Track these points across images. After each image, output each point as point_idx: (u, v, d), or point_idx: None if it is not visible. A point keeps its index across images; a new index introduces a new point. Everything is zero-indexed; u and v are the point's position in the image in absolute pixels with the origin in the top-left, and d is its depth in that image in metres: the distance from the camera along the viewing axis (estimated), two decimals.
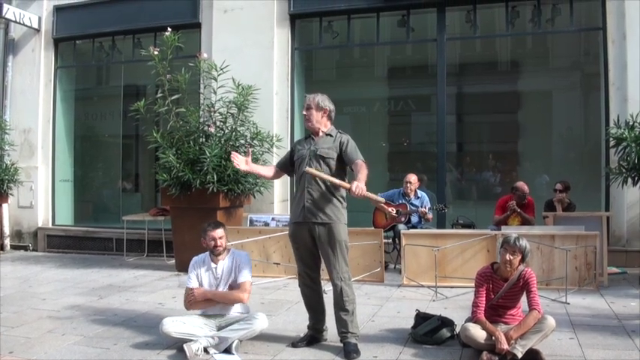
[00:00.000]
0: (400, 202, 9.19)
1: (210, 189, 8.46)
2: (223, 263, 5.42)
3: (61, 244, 11.85)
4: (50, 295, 7.58)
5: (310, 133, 5.32)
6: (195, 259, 5.56)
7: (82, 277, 8.91)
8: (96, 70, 13.25)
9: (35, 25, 12.06)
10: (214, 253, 5.40)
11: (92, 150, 13.22)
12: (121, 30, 11.78)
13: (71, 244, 11.78)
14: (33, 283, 8.46)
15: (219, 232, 5.40)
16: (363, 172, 4.86)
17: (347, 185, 4.84)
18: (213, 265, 5.42)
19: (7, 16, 11.56)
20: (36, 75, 12.09)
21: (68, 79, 12.67)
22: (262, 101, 9.39)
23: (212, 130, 8.93)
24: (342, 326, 5.05)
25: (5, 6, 11.52)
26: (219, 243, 5.37)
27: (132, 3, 11.57)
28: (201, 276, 5.42)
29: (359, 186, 4.69)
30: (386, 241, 8.62)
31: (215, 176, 8.49)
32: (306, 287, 5.31)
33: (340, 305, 5.03)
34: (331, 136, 5.20)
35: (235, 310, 5.41)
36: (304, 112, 5.29)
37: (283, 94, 10.44)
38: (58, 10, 12.13)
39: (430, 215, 9.11)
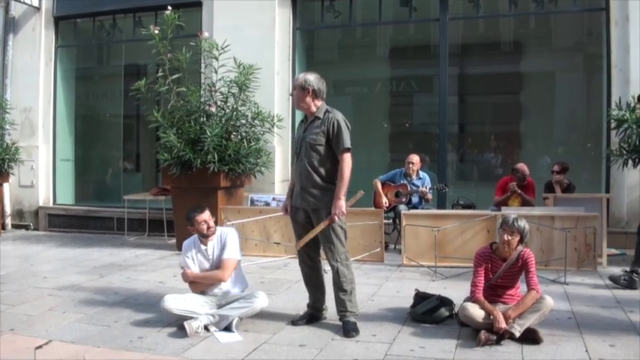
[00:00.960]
0: (402, 182, 9.22)
1: (211, 169, 8.47)
2: (213, 243, 5.44)
3: (62, 224, 11.87)
4: (51, 273, 7.61)
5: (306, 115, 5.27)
6: (185, 242, 5.59)
7: (83, 256, 8.95)
8: (97, 49, 13.20)
9: (35, 4, 11.99)
10: (206, 235, 5.40)
11: (93, 129, 13.22)
12: (122, 9, 11.71)
13: (72, 224, 11.79)
14: (34, 261, 8.50)
15: (206, 215, 5.41)
16: (341, 181, 4.92)
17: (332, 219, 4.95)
18: (203, 246, 5.44)
19: None
20: (36, 54, 12.04)
21: (69, 58, 12.64)
22: (263, 81, 9.34)
23: (213, 109, 8.91)
24: (341, 305, 5.08)
25: None
26: (210, 224, 5.40)
27: None
28: (194, 258, 5.45)
29: (335, 214, 4.89)
30: (386, 221, 8.64)
31: (216, 156, 8.49)
32: (305, 266, 5.33)
33: (338, 285, 5.06)
34: (319, 118, 5.07)
35: (234, 288, 5.43)
36: (290, 93, 5.20)
37: (284, 74, 10.39)
38: None
39: (430, 195, 9.13)
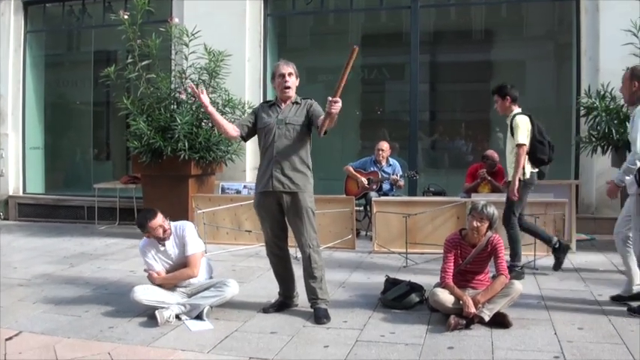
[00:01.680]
0: (372, 169, 9.26)
1: (182, 156, 8.42)
2: (170, 242, 5.34)
3: (32, 213, 11.72)
4: (21, 263, 7.53)
5: (275, 101, 5.24)
6: (141, 244, 5.43)
7: (53, 245, 8.87)
8: (66, 35, 13.01)
9: None
10: (164, 239, 5.28)
11: (63, 117, 13.03)
12: None
13: (42, 213, 11.65)
14: (4, 252, 8.38)
15: (159, 219, 5.24)
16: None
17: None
18: (161, 247, 5.33)
19: None
20: (5, 40, 11.81)
21: (38, 45, 12.44)
22: (234, 68, 9.31)
23: (183, 96, 8.85)
24: (312, 293, 5.11)
25: None
26: (166, 226, 5.26)
27: None
28: (155, 258, 5.35)
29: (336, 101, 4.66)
30: (357, 208, 8.68)
31: (186, 143, 8.44)
32: (274, 256, 5.33)
33: (309, 272, 5.09)
34: (298, 104, 5.16)
35: (200, 277, 5.41)
36: (287, 79, 5.09)
37: (256, 61, 10.37)
38: None
39: (402, 182, 9.17)
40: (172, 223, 5.43)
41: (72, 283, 6.43)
